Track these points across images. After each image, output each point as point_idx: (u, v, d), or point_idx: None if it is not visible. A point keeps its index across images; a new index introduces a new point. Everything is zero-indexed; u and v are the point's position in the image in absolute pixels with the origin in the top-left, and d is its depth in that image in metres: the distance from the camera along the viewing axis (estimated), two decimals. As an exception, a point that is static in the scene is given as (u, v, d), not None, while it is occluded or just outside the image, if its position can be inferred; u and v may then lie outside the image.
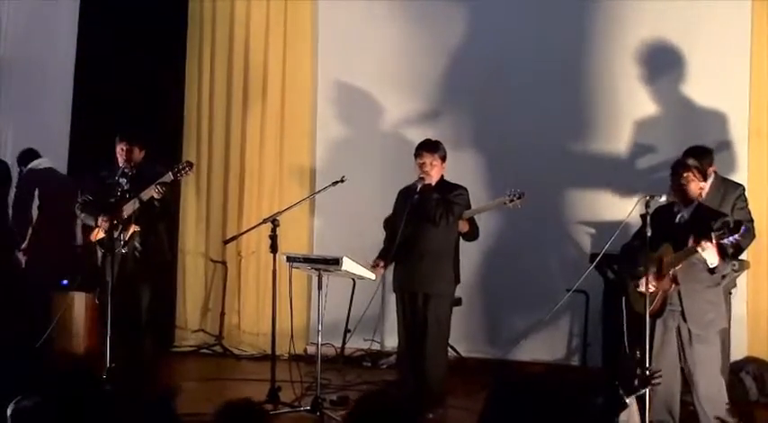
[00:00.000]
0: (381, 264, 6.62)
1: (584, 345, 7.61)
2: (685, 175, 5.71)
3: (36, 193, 8.18)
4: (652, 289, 5.59)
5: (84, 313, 8.00)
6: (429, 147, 6.58)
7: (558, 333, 7.87)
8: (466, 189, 6.66)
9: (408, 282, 6.58)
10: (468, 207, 6.82)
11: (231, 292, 8.59)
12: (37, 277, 8.07)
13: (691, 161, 5.94)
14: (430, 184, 6.50)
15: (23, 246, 8.15)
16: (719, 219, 5.56)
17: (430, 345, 6.42)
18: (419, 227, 6.49)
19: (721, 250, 5.43)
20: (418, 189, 6.52)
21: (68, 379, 3.58)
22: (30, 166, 8.30)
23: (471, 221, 6.81)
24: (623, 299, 6.03)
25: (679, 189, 5.71)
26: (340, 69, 8.50)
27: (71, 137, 8.86)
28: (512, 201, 6.86)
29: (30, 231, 8.15)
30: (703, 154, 6.42)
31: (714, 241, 5.35)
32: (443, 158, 6.58)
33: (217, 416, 3.32)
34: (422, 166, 6.52)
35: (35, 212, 8.17)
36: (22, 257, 8.14)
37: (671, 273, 5.60)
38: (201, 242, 8.69)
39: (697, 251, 5.42)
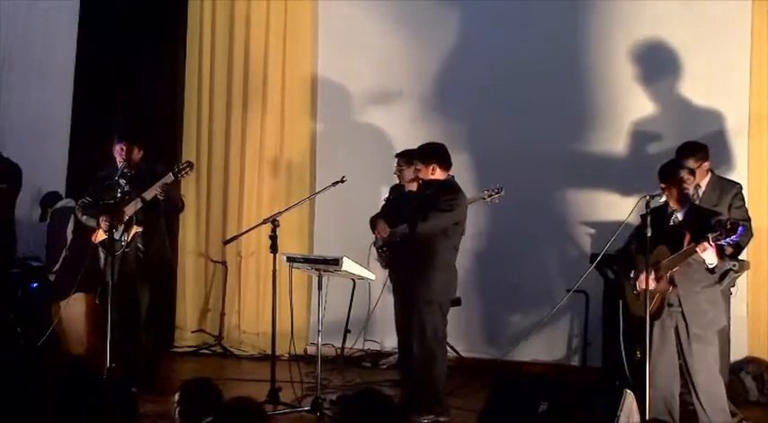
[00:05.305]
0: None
1: (584, 345, 7.59)
2: (686, 178, 5.70)
3: (69, 224, 8.39)
4: (652, 286, 5.57)
5: (85, 313, 8.00)
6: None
7: (558, 333, 7.87)
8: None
9: (400, 288, 6.57)
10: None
11: (231, 292, 8.58)
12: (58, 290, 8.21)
13: (691, 162, 5.97)
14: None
15: (55, 268, 8.35)
16: (714, 218, 5.57)
17: (425, 350, 6.35)
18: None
19: (719, 250, 5.43)
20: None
21: (68, 379, 3.57)
22: (57, 206, 8.57)
23: None
24: (620, 302, 6.03)
25: (678, 193, 5.68)
26: (340, 69, 8.50)
27: (71, 137, 8.86)
28: (491, 196, 6.85)
29: (63, 254, 8.36)
30: (699, 150, 6.43)
31: (712, 243, 5.34)
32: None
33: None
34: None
35: (69, 236, 8.40)
36: (52, 277, 8.38)
37: (668, 275, 5.59)
38: (201, 242, 8.69)
39: (696, 252, 5.42)
